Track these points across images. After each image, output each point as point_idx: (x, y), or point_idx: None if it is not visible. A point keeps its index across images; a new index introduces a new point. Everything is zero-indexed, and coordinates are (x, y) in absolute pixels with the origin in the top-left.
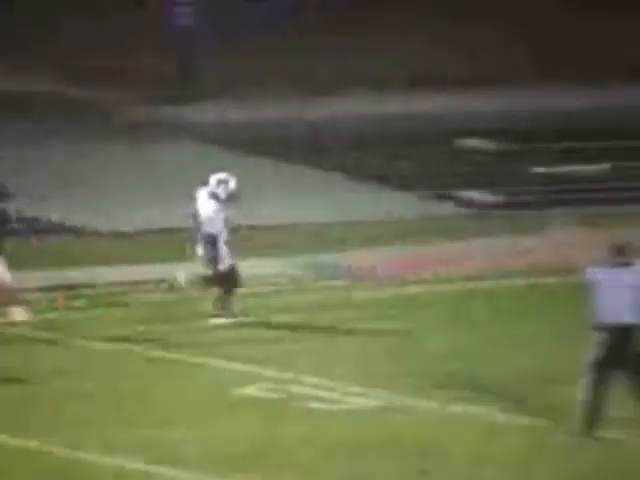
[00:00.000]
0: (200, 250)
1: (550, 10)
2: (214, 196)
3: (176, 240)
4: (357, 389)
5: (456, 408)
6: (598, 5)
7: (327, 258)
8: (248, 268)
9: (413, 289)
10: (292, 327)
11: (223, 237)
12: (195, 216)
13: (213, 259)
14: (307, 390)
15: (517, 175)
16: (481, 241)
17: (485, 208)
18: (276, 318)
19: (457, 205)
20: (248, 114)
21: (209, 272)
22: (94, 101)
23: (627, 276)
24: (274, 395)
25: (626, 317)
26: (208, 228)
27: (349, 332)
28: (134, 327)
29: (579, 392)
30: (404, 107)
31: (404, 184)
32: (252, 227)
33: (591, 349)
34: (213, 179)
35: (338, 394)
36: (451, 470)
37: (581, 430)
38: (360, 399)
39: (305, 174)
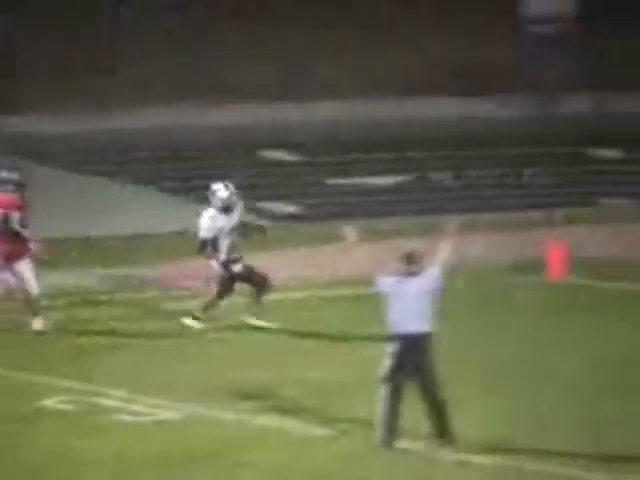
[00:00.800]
0: (215, 264)
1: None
2: (214, 206)
3: None
4: (163, 401)
5: (264, 420)
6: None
7: (132, 270)
8: (49, 280)
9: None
10: (99, 339)
11: (223, 242)
12: (198, 229)
13: (222, 263)
14: (114, 402)
15: (315, 187)
16: (279, 253)
17: (285, 220)
18: (83, 330)
19: (259, 217)
20: (52, 126)
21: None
22: None
23: (414, 285)
24: (80, 407)
25: (414, 326)
26: (207, 234)
27: (157, 345)
28: None
29: (376, 403)
30: (208, 119)
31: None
32: (52, 239)
33: (386, 359)
34: (209, 192)
35: (145, 406)
36: None
37: (381, 441)
38: (167, 411)
39: (108, 186)
